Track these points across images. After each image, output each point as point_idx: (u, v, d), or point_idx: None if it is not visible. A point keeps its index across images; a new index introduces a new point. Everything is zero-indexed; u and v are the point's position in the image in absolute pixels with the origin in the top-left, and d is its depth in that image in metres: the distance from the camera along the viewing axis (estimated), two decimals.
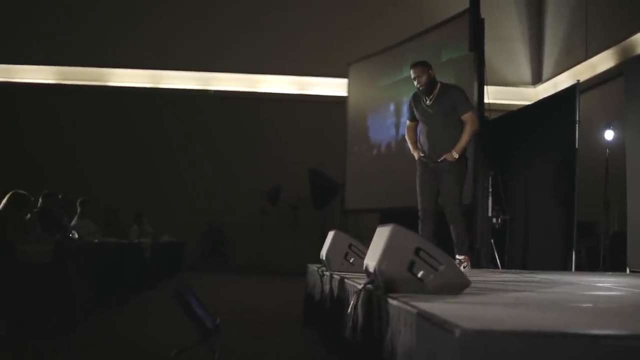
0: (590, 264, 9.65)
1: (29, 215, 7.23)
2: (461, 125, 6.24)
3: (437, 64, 11.36)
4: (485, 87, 9.83)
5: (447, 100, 6.25)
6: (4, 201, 6.83)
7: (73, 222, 10.01)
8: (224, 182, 16.55)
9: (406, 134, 6.75)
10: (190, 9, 16.91)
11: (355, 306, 3.49)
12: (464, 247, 6.20)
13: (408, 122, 6.73)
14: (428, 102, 6.32)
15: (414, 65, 6.36)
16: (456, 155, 6.12)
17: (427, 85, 6.26)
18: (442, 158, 6.19)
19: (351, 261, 5.32)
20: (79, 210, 10.52)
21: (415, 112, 6.52)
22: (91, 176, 15.84)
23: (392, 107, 12.72)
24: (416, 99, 6.51)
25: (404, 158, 12.16)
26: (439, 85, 6.34)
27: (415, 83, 6.34)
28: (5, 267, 5.79)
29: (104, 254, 7.89)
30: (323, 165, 15.24)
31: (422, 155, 6.39)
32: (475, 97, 10.07)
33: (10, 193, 6.86)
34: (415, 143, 6.56)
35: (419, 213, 6.36)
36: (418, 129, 6.60)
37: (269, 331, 6.21)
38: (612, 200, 9.59)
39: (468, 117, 6.21)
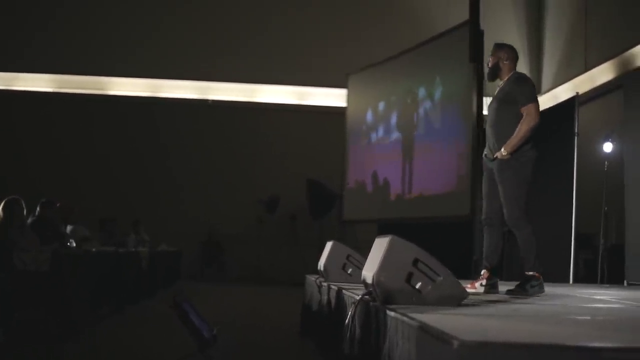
0: (589, 276, 9.64)
1: (29, 220, 7.22)
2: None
3: (437, 75, 11.47)
4: (484, 98, 9.83)
5: (506, 89, 5.40)
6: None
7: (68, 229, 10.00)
8: (221, 192, 16.51)
9: None
10: (189, 19, 16.90)
11: (352, 317, 3.48)
12: (529, 263, 5.14)
13: None
14: (496, 92, 5.53)
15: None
16: (504, 153, 5.16)
17: (490, 69, 5.50)
18: (494, 156, 5.29)
19: (349, 272, 5.32)
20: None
21: None
22: (88, 185, 15.80)
23: (392, 118, 12.72)
24: None
25: (402, 169, 12.22)
26: (511, 75, 5.45)
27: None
28: (2, 274, 5.78)
29: (102, 263, 7.87)
30: (321, 175, 15.22)
31: (484, 154, 5.51)
32: (475, 109, 10.10)
33: (4, 202, 6.82)
34: None
35: (482, 220, 5.48)
36: None
37: (266, 341, 6.19)
38: (610, 212, 9.58)
39: (526, 110, 5.21)
